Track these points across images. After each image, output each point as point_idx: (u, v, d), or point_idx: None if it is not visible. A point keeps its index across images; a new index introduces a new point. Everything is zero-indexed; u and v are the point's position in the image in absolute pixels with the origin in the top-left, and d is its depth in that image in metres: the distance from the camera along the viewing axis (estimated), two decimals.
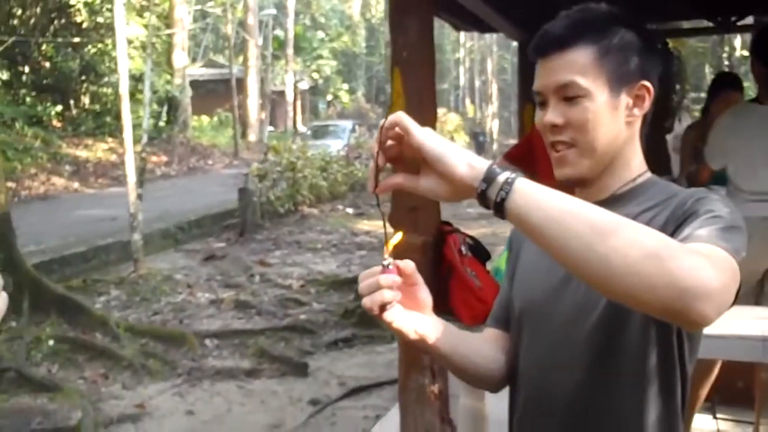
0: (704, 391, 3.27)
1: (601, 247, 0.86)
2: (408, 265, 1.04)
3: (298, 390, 5.11)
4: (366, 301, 1.01)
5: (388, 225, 1.04)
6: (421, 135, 0.94)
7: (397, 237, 1.03)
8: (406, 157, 0.98)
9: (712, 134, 3.38)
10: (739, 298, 2.99)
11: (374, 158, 0.97)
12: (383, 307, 1.01)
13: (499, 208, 0.91)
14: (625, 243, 0.86)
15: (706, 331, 2.47)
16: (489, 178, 0.92)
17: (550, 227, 0.89)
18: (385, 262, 1.01)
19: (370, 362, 5.63)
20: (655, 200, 1.13)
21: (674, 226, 1.04)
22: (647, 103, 1.15)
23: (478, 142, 28.31)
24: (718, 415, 3.50)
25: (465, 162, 0.93)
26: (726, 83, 4.45)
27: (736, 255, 0.94)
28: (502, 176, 0.91)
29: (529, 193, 0.91)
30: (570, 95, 1.12)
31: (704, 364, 3.15)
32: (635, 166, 1.19)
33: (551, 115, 1.14)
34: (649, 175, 1.20)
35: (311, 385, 5.20)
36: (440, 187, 0.95)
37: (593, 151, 1.13)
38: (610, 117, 1.12)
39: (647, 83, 1.14)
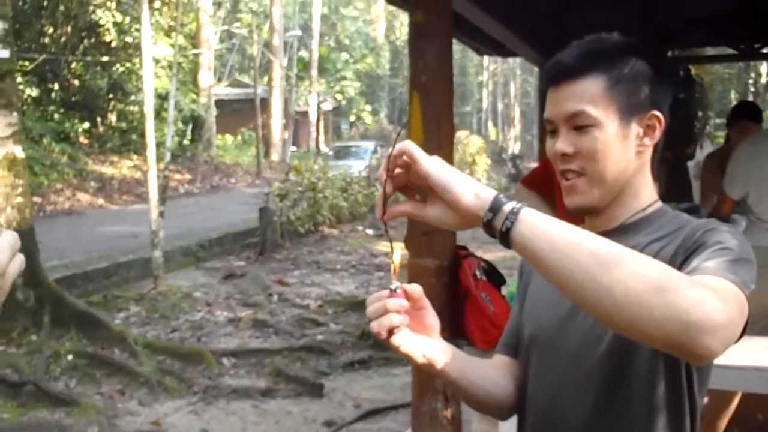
0: (723, 423, 3.22)
1: (605, 279, 0.86)
2: (415, 289, 1.04)
3: (313, 411, 5.09)
4: (374, 325, 1.01)
5: (396, 249, 1.05)
6: (428, 164, 0.95)
7: (398, 253, 1.03)
8: (414, 184, 0.99)
9: (731, 164, 3.37)
10: (760, 330, 2.95)
11: (382, 186, 0.99)
12: (391, 331, 1.01)
13: (505, 238, 0.92)
14: (629, 275, 0.86)
15: (726, 362, 2.44)
16: (495, 207, 0.92)
17: (555, 257, 0.89)
18: (393, 286, 1.02)
19: (386, 385, 5.60)
20: (664, 230, 1.13)
21: (683, 257, 1.03)
22: (658, 133, 1.15)
23: (515, 165, 28.27)
24: None
25: (471, 191, 0.94)
26: (743, 114, 4.44)
27: (745, 288, 0.93)
28: (508, 206, 0.92)
29: (534, 224, 0.91)
30: (580, 124, 1.12)
31: (723, 395, 3.11)
32: (645, 195, 1.18)
33: (561, 143, 1.14)
34: (659, 204, 1.20)
35: (326, 407, 5.18)
36: (447, 215, 0.96)
37: (603, 180, 1.13)
38: (621, 146, 1.13)
39: (658, 113, 1.14)
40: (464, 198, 0.93)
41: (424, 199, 0.99)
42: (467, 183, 0.94)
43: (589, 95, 1.11)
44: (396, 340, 1.02)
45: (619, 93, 1.12)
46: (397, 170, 0.98)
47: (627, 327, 0.87)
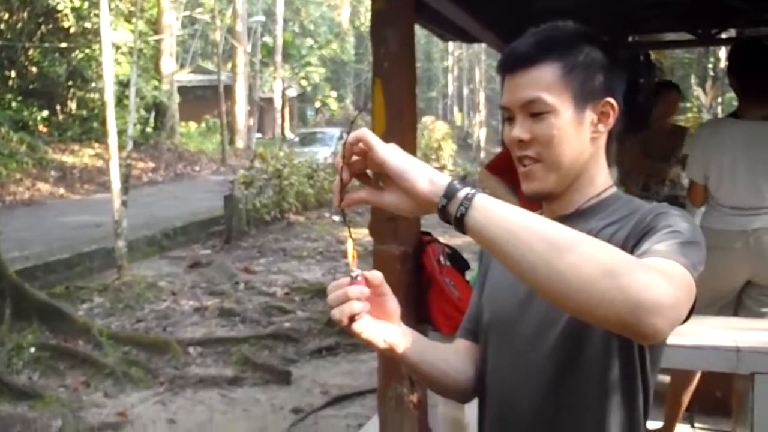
0: (686, 399, 3.30)
1: (559, 263, 0.88)
2: (376, 275, 1.05)
3: (280, 398, 5.10)
4: (335, 313, 1.02)
5: (348, 239, 1.06)
6: (384, 151, 0.96)
7: (350, 245, 1.05)
8: (371, 172, 1.00)
9: (693, 147, 3.42)
10: (719, 310, 3.01)
11: (339, 173, 0.99)
12: (352, 318, 1.02)
13: (459, 223, 0.93)
14: (582, 259, 0.88)
15: (683, 341, 2.50)
16: (449, 193, 0.94)
17: (509, 242, 0.91)
18: (354, 274, 1.03)
19: (353, 371, 5.63)
20: (618, 215, 1.15)
21: (635, 240, 1.06)
22: (612, 120, 1.17)
23: None
24: (696, 425, 3.53)
25: (426, 177, 0.95)
26: (664, 86, 4.78)
27: (693, 270, 0.96)
28: (462, 192, 0.93)
29: (487, 209, 0.92)
30: (536, 111, 1.14)
31: (684, 373, 3.18)
32: (600, 181, 1.20)
33: (518, 130, 1.16)
34: (613, 190, 1.22)
35: (294, 394, 5.19)
36: (403, 202, 0.98)
37: (559, 166, 1.15)
38: (575, 133, 1.14)
39: (612, 100, 1.16)
40: (419, 184, 0.95)
41: (382, 185, 1.00)
42: (422, 169, 0.96)
43: (544, 82, 1.13)
44: (357, 326, 1.02)
45: (573, 80, 1.14)
46: (355, 158, 0.99)
47: (579, 309, 0.89)
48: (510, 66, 1.16)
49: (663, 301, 0.86)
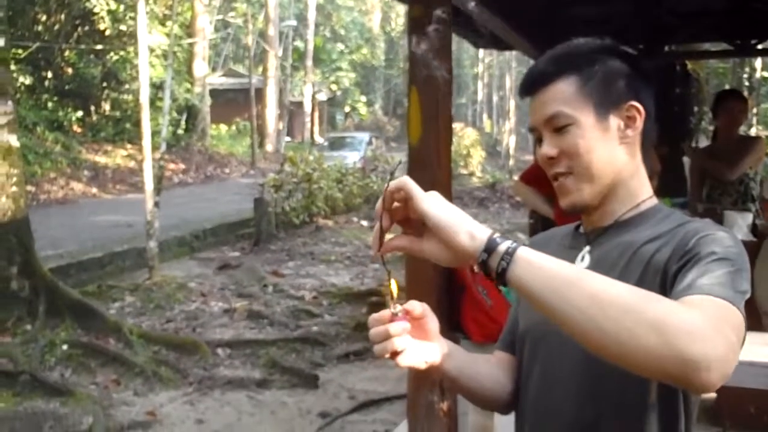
0: None
1: (602, 319, 0.87)
2: (416, 307, 1.06)
3: (308, 402, 5.12)
4: (377, 349, 1.03)
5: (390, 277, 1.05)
6: (425, 202, 0.97)
7: (393, 283, 1.04)
8: (412, 218, 1.00)
9: None
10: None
11: (379, 220, 1.00)
12: (395, 353, 1.02)
13: (501, 278, 0.94)
14: (627, 314, 0.87)
15: None
16: (489, 248, 0.94)
17: (551, 297, 0.91)
18: (394, 310, 1.02)
19: (380, 376, 5.62)
20: (658, 230, 1.13)
21: (677, 266, 1.04)
22: (639, 123, 1.17)
23: None
24: None
25: (466, 231, 0.95)
26: (727, 95, 4.56)
27: (741, 301, 0.95)
28: (503, 246, 0.94)
29: (529, 263, 0.93)
30: (559, 125, 1.15)
31: None
32: (638, 191, 1.19)
33: (546, 147, 1.18)
34: (654, 201, 1.21)
35: (321, 398, 5.20)
36: (442, 252, 0.98)
37: (590, 175, 1.15)
38: (602, 140, 1.15)
39: (636, 103, 1.16)
40: (459, 237, 0.95)
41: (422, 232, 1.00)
42: (463, 222, 0.96)
43: (563, 96, 1.15)
44: (400, 360, 1.03)
45: (592, 89, 1.15)
46: (396, 204, 1.00)
47: (625, 362, 0.89)
48: (530, 87, 1.19)
49: (712, 356, 0.85)
